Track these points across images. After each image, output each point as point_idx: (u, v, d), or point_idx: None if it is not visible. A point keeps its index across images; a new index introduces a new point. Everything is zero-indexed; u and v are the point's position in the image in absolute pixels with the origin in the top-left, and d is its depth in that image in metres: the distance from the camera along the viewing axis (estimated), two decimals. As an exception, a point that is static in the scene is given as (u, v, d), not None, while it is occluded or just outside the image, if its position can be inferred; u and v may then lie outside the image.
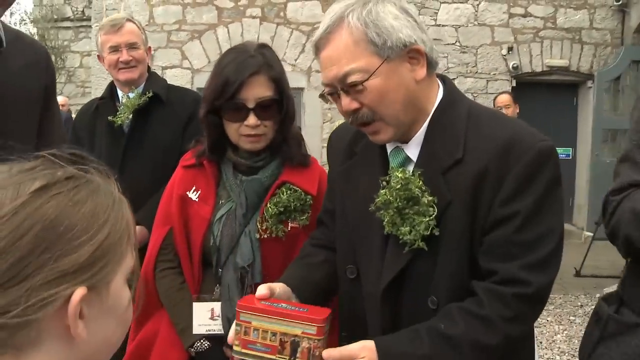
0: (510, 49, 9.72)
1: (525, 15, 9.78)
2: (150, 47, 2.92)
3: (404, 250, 1.38)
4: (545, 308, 5.37)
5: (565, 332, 5.41)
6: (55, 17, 12.33)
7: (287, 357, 1.32)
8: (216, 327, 1.82)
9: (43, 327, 0.70)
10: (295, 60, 9.47)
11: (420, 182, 1.35)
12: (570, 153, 9.99)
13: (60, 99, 8.76)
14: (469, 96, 9.34)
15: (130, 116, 2.69)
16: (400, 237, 1.37)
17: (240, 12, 9.81)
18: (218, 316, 1.81)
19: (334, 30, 1.36)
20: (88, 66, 11.19)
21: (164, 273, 1.92)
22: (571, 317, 5.77)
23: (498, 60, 9.79)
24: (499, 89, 9.08)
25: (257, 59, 1.76)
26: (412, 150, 1.43)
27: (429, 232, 1.34)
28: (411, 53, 1.36)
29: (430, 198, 1.34)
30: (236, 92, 1.74)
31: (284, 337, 1.31)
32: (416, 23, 1.38)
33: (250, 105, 1.75)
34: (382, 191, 1.39)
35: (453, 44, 9.78)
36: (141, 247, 2.07)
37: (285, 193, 1.80)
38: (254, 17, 9.81)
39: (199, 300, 1.84)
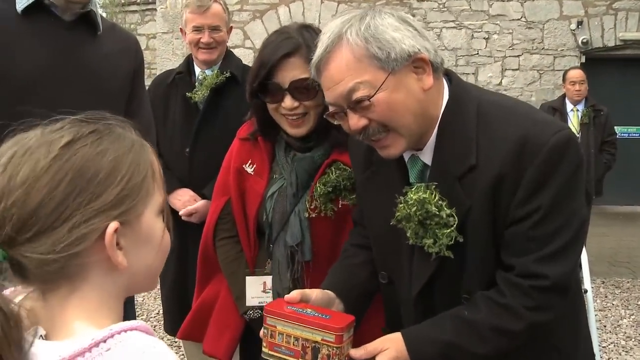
0: (579, 23, 9.31)
1: (599, -14, 9.34)
2: (231, 27, 2.99)
3: (431, 258, 1.38)
4: (611, 292, 5.23)
5: (633, 316, 5.24)
6: (123, 1, 12.69)
7: None
8: (268, 300, 1.88)
9: (87, 259, 0.82)
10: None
11: (437, 198, 1.34)
12: (644, 132, 9.56)
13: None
14: (535, 74, 9.05)
15: (207, 94, 2.77)
16: (425, 248, 1.37)
17: (302, -9, 9.81)
18: (270, 289, 1.88)
19: (334, 50, 1.32)
20: (154, 48, 11.48)
21: (223, 242, 2.01)
22: (639, 302, 5.58)
23: (566, 36, 9.41)
24: (566, 65, 8.73)
25: (294, 41, 1.75)
26: (427, 156, 1.42)
27: (452, 242, 1.34)
28: (416, 62, 1.33)
29: (448, 211, 1.33)
30: (270, 74, 1.75)
31: (306, 343, 1.35)
32: (417, 31, 1.35)
33: (285, 86, 1.75)
34: (399, 206, 1.39)
35: (518, 19, 9.46)
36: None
37: (334, 172, 1.80)
38: (315, -4, 9.79)
39: (251, 274, 1.91)
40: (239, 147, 1.99)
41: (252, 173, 1.92)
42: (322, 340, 1.33)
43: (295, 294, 1.44)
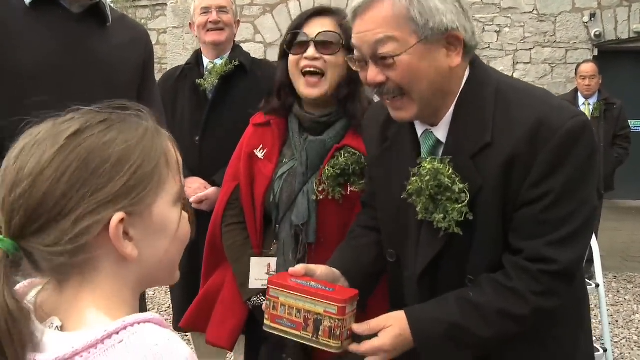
0: (592, 15, 9.23)
1: (612, -22, 9.24)
2: (238, 21, 3.03)
3: (439, 235, 1.38)
4: (624, 286, 5.18)
5: (645, 312, 5.21)
6: (134, -5, 12.73)
7: (310, 335, 1.35)
8: None
9: (96, 250, 0.81)
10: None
11: (450, 171, 1.34)
12: (658, 126, 9.46)
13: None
14: (547, 67, 8.99)
15: (216, 82, 2.80)
16: (435, 223, 1.37)
17: (312, -15, 9.80)
18: (274, 271, 1.88)
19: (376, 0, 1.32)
20: (164, 43, 11.51)
21: (230, 228, 2.02)
22: (652, 297, 5.54)
23: (579, 28, 9.33)
24: (579, 58, 8.67)
25: (329, 7, 1.91)
26: (442, 132, 1.42)
27: (463, 218, 1.34)
28: (450, 39, 1.33)
29: (461, 185, 1.33)
30: (299, 27, 1.86)
31: (308, 315, 1.34)
32: (462, 9, 1.34)
33: (312, 37, 1.83)
34: (413, 179, 1.39)
35: (530, 12, 9.39)
36: None
37: (343, 156, 1.82)
38: (325, -10, 9.78)
39: (256, 255, 1.92)
40: (252, 132, 2.03)
41: (262, 157, 1.95)
42: (324, 312, 1.32)
43: (299, 267, 1.44)
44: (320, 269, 1.49)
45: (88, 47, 1.83)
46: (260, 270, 1.90)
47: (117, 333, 0.77)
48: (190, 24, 3.01)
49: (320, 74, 1.83)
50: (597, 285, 3.44)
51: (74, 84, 1.75)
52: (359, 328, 1.39)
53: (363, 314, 1.73)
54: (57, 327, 0.81)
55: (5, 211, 0.79)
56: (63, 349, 0.76)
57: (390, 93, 1.36)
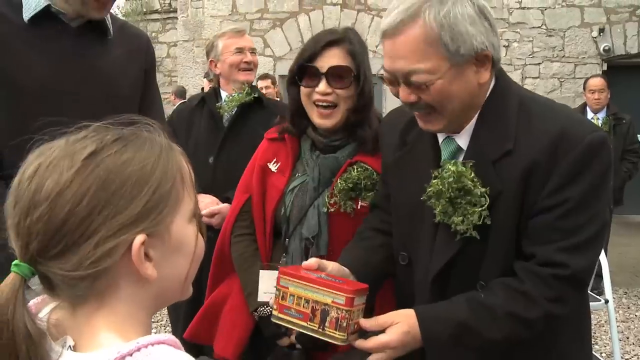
0: (601, 30, 9.23)
1: (621, -7, 9.25)
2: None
3: (454, 238, 1.39)
4: (634, 303, 5.11)
5: (656, 328, 5.15)
6: (145, 10, 12.87)
7: (317, 326, 1.34)
8: None
9: (116, 274, 0.80)
10: (377, 46, 9.41)
11: (472, 174, 1.36)
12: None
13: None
14: (555, 82, 8.98)
15: (235, 109, 2.92)
16: (452, 226, 1.38)
17: (321, -1, 9.88)
18: None
19: (408, 25, 1.31)
20: (175, 56, 11.61)
21: (239, 238, 2.03)
22: (663, 313, 5.48)
23: (587, 43, 9.33)
24: (587, 73, 8.66)
25: (339, 34, 1.87)
26: (463, 140, 1.44)
27: (481, 222, 1.35)
28: (479, 57, 1.34)
29: (482, 189, 1.35)
30: (311, 58, 1.84)
31: (316, 305, 1.33)
32: (490, 26, 1.35)
33: (323, 70, 1.82)
34: (434, 181, 1.40)
35: (539, 27, 9.41)
36: None
37: (355, 170, 1.83)
38: (334, 4, 9.85)
39: (266, 268, 1.92)
40: (266, 146, 2.05)
41: (275, 171, 1.97)
42: (332, 302, 1.32)
43: (312, 261, 1.44)
44: (331, 265, 1.49)
45: (89, 61, 1.82)
46: (269, 284, 1.89)
47: (131, 355, 0.76)
48: (211, 61, 3.08)
49: (332, 105, 1.85)
50: (607, 301, 3.40)
51: (76, 98, 1.74)
52: (367, 323, 1.38)
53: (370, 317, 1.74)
54: (70, 346, 0.80)
55: (21, 235, 0.77)
56: None
57: (421, 109, 1.39)
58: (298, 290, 1.36)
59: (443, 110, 1.36)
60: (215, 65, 3.03)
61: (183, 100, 6.75)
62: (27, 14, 1.73)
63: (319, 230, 1.84)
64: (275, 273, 1.89)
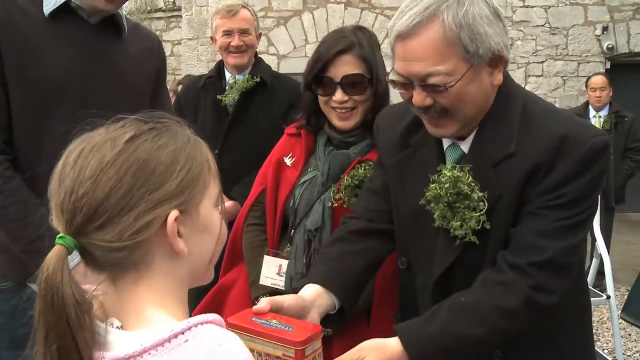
0: (605, 28, 9.23)
1: (625, -9, 9.24)
2: (260, 33, 3.07)
3: (454, 243, 1.38)
4: (637, 299, 5.00)
5: (658, 325, 5.16)
6: (149, 8, 12.89)
7: None
8: (280, 283, 1.93)
9: (151, 246, 0.87)
10: (380, 45, 9.42)
11: (470, 179, 1.35)
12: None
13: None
14: (559, 80, 8.96)
15: (237, 97, 2.85)
16: (451, 231, 1.37)
17: (325, -3, 9.90)
18: (284, 273, 1.93)
19: (426, 25, 1.28)
20: (179, 54, 11.64)
21: (250, 228, 2.09)
22: (666, 311, 5.49)
23: (591, 42, 9.33)
24: (591, 71, 8.66)
25: (349, 39, 1.89)
26: (467, 145, 1.42)
27: (479, 226, 1.34)
28: (494, 59, 1.33)
29: (480, 194, 1.34)
30: (324, 68, 1.88)
31: (269, 358, 1.26)
32: (504, 27, 1.34)
33: (337, 80, 1.86)
34: (431, 185, 1.39)
35: (542, 25, 9.41)
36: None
37: (363, 168, 1.87)
38: (338, 3, 9.86)
39: (270, 254, 1.97)
40: (284, 141, 2.11)
41: (290, 165, 2.03)
42: (283, 355, 1.24)
43: (264, 303, 1.33)
44: (287, 300, 1.38)
45: (106, 57, 1.87)
46: (271, 270, 1.95)
47: (183, 333, 0.82)
48: (211, 37, 3.04)
49: (351, 108, 1.89)
50: (608, 297, 3.42)
51: (93, 94, 1.78)
52: None
53: (367, 330, 1.76)
54: (117, 327, 0.86)
55: (66, 210, 0.84)
56: (132, 346, 0.82)
57: (434, 112, 1.35)
58: (249, 343, 1.24)
59: (457, 113, 1.34)
60: (215, 43, 2.97)
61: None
62: (47, 9, 1.77)
63: (322, 223, 1.88)
64: (278, 261, 1.95)
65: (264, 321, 1.30)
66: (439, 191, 1.37)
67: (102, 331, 0.83)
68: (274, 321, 1.30)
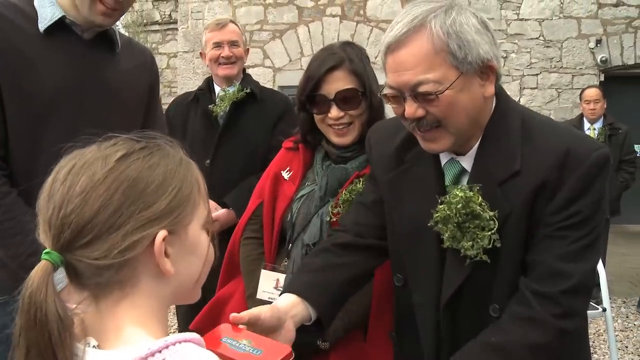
0: (598, 41, 9.31)
1: (617, 4, 9.33)
2: (248, 49, 3.12)
3: (464, 263, 1.37)
4: (633, 312, 5.11)
5: (655, 337, 5.16)
6: (145, 21, 12.93)
7: None
8: (277, 297, 1.92)
9: (138, 265, 0.87)
10: (375, 57, 9.43)
11: (480, 199, 1.35)
12: (664, 151, 9.45)
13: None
14: (553, 92, 9.02)
15: (227, 108, 2.89)
16: (462, 251, 1.37)
17: (321, 11, 9.95)
18: (281, 287, 1.91)
19: (414, 35, 1.30)
20: (174, 67, 11.67)
21: (247, 241, 2.09)
22: (662, 323, 5.49)
23: (585, 54, 9.41)
24: (585, 84, 8.72)
25: (338, 55, 1.88)
26: (468, 161, 1.42)
27: (491, 245, 1.34)
28: (484, 69, 1.34)
29: (491, 213, 1.34)
30: (317, 86, 1.87)
31: None
32: (493, 39, 1.35)
33: (331, 97, 1.86)
34: (440, 207, 1.38)
35: (537, 38, 9.49)
36: (231, 227, 2.21)
37: (361, 182, 1.86)
38: (334, 16, 9.93)
39: (268, 268, 1.96)
40: (282, 155, 2.11)
41: (287, 179, 2.03)
42: None
43: (244, 313, 1.32)
44: (264, 312, 1.35)
45: (100, 73, 1.87)
46: (269, 284, 1.95)
47: (160, 351, 0.81)
48: (201, 53, 3.10)
49: (348, 124, 1.89)
50: (604, 309, 3.42)
51: (86, 109, 1.79)
52: None
53: (363, 345, 1.75)
54: (94, 346, 0.85)
55: (54, 226, 0.83)
56: None
57: (427, 125, 1.35)
58: None
59: (449, 124, 1.34)
60: (205, 58, 3.02)
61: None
62: (42, 24, 1.77)
63: (320, 237, 1.87)
64: (275, 275, 1.94)
65: (234, 342, 1.27)
66: (448, 212, 1.36)
67: (79, 352, 0.82)
68: (244, 342, 1.27)
